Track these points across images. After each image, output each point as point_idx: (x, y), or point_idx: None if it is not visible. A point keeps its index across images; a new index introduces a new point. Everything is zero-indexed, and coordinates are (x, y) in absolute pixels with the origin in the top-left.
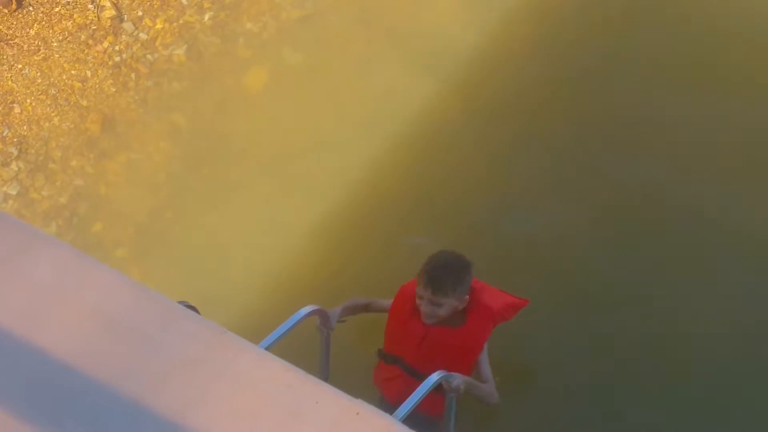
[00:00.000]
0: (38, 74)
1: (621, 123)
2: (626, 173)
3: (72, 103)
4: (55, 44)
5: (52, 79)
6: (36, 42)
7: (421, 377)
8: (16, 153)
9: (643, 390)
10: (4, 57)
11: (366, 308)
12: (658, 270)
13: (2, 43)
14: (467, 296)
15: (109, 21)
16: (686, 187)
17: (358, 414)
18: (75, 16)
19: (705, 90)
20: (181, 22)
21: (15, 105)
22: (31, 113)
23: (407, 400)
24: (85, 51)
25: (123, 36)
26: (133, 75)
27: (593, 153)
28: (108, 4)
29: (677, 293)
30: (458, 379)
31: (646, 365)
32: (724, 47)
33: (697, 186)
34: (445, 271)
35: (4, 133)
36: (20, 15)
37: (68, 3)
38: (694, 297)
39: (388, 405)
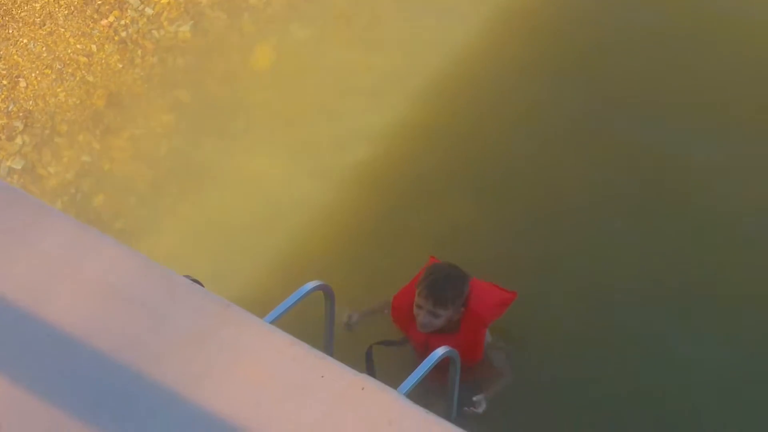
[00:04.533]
0: (44, 49)
1: (647, 88)
2: (650, 138)
3: (78, 78)
4: (61, 18)
5: (57, 54)
6: (41, 16)
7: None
8: (21, 127)
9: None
10: (10, 31)
11: (364, 316)
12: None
13: (8, 18)
14: (463, 307)
15: None
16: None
17: (363, 389)
18: None
19: None
20: None
21: (20, 79)
22: (36, 88)
23: (412, 374)
24: (91, 25)
25: (129, 11)
26: (139, 51)
27: (615, 117)
28: None
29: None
30: (481, 399)
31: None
32: None
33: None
34: (446, 283)
35: (10, 108)
36: None
37: None
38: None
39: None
